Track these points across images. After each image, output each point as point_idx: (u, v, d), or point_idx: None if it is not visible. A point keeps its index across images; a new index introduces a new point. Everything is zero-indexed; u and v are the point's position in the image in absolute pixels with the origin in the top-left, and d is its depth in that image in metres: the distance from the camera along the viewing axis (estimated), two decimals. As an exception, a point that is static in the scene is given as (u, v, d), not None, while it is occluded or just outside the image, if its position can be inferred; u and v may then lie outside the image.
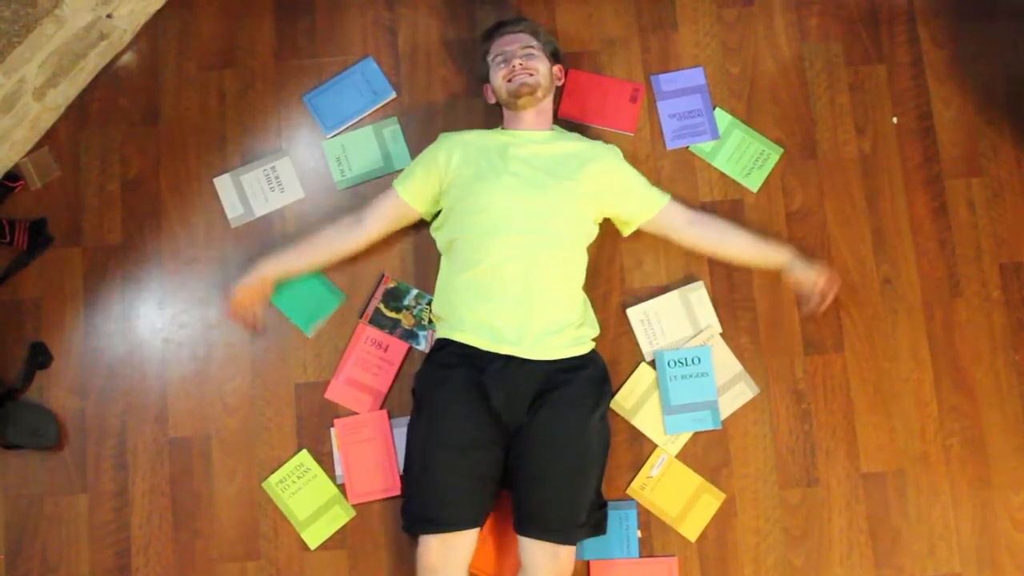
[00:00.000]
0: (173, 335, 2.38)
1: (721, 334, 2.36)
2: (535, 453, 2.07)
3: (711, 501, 2.28)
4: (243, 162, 2.45)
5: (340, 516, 2.28)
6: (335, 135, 2.46)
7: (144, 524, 2.29)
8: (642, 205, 2.28)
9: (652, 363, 2.34)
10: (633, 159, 2.43)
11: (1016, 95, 2.50)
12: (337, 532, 2.27)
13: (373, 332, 2.35)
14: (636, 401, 2.32)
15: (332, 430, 2.31)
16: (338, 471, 2.30)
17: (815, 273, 2.26)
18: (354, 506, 2.28)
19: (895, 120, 2.48)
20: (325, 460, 2.31)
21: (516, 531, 2.09)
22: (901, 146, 2.47)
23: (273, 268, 2.28)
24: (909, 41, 2.53)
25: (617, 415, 2.31)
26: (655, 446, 2.30)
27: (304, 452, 2.31)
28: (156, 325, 2.38)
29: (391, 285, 2.37)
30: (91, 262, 2.41)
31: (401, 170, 2.38)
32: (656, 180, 2.42)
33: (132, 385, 2.35)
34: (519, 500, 2.09)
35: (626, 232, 2.35)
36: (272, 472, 2.30)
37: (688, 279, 2.38)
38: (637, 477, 2.29)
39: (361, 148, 2.45)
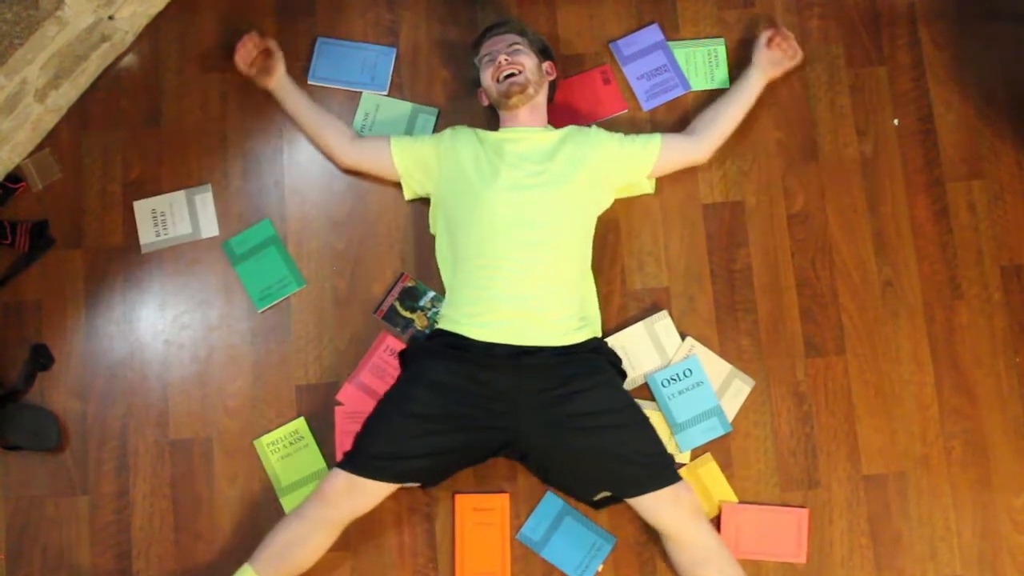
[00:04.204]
0: (174, 337, 2.38)
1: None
2: (595, 432, 2.09)
3: (711, 467, 2.28)
4: (244, 165, 2.45)
5: None
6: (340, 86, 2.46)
7: (145, 526, 2.29)
8: (642, 159, 2.30)
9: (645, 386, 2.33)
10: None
11: (1017, 98, 2.50)
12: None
13: (392, 341, 2.34)
14: None
15: (335, 412, 2.31)
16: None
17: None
18: None
19: (896, 122, 2.48)
20: (321, 437, 2.31)
21: (625, 500, 2.11)
22: (902, 149, 2.47)
23: (284, 81, 2.38)
24: (910, 43, 2.52)
25: None
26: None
27: (301, 419, 2.31)
28: (157, 327, 2.38)
29: (409, 284, 2.37)
30: (92, 264, 2.41)
31: None
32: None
33: (133, 387, 2.35)
34: (606, 476, 2.12)
35: (650, 189, 2.38)
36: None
37: (688, 277, 2.37)
38: None
39: (391, 117, 2.46)
